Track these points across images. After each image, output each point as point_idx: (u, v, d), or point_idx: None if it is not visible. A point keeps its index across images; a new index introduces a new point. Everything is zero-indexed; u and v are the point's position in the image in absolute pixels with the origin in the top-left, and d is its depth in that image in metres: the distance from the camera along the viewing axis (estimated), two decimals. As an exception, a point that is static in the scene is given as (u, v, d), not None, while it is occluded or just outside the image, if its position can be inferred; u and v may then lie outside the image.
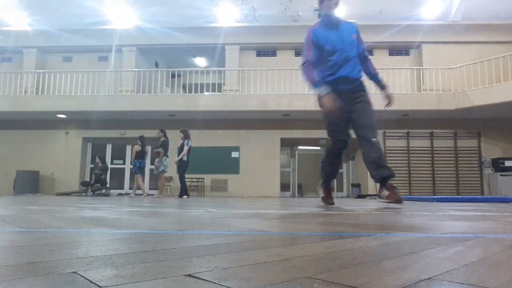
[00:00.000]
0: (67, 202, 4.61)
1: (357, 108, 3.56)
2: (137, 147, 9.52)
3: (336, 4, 3.57)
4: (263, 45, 13.81)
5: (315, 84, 3.45)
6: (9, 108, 12.08)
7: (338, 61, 3.50)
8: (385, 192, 3.41)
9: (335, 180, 4.27)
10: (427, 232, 1.45)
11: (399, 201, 3.35)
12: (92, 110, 11.76)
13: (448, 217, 2.33)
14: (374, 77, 3.87)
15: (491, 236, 1.32)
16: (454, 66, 11.93)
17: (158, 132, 9.28)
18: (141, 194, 9.42)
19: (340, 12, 12.68)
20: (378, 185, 3.66)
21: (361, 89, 3.66)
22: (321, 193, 4.01)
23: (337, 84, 3.50)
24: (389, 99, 3.77)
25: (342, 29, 3.60)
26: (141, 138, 9.64)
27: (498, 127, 12.29)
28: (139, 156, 9.47)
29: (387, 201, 3.39)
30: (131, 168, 12.15)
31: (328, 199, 3.94)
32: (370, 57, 3.96)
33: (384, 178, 3.46)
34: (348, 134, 3.67)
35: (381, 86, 3.83)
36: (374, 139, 3.46)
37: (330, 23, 3.59)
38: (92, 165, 12.58)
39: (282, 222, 1.95)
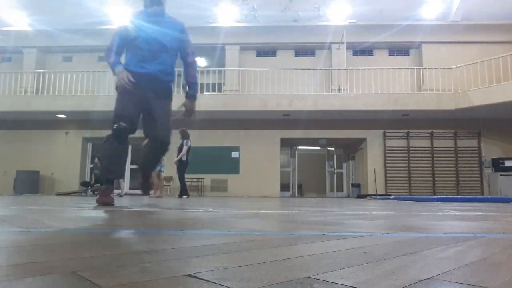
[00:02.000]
0: (67, 202, 4.61)
1: (153, 118, 3.40)
2: None
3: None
4: (263, 45, 13.82)
5: (112, 65, 3.33)
6: (9, 108, 12.08)
7: (147, 55, 3.33)
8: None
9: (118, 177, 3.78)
10: (427, 232, 1.45)
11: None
12: (92, 110, 11.75)
13: (448, 217, 2.33)
14: (189, 85, 3.59)
15: (491, 236, 1.32)
16: (454, 66, 11.93)
17: None
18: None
19: (342, 12, 12.71)
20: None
21: (166, 96, 3.46)
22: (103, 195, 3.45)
23: (141, 78, 3.32)
24: (188, 111, 3.56)
25: (164, 24, 3.41)
26: None
27: (498, 127, 12.29)
28: None
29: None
30: (131, 168, 12.32)
31: (107, 198, 3.39)
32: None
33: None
34: (131, 125, 3.32)
35: (189, 95, 3.58)
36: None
37: (153, 14, 3.38)
38: (92, 165, 12.59)
39: (282, 222, 1.95)
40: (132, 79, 3.27)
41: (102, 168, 3.55)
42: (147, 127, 3.47)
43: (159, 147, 3.49)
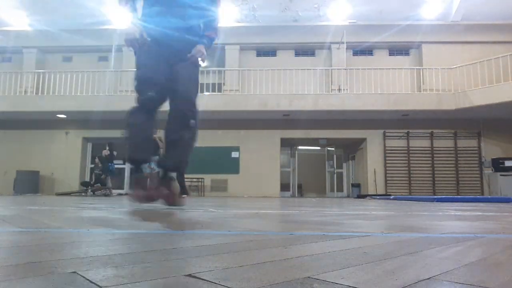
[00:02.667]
0: (67, 202, 4.61)
1: (178, 72, 2.70)
2: (106, 152, 10.16)
3: None
4: (263, 45, 13.82)
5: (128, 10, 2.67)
6: (9, 108, 12.08)
7: (169, 8, 2.66)
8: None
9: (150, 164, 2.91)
10: (427, 232, 1.45)
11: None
12: (92, 110, 11.75)
13: (448, 217, 2.33)
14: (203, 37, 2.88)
15: (491, 236, 1.32)
16: (454, 66, 11.93)
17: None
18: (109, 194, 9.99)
19: (342, 12, 12.71)
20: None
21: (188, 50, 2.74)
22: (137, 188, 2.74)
23: (161, 37, 2.68)
24: (195, 51, 2.77)
25: None
26: (110, 144, 10.32)
27: (498, 127, 12.29)
28: (110, 159, 10.11)
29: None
30: (131, 168, 12.41)
31: (140, 194, 2.69)
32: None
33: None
34: (160, 93, 2.67)
35: (201, 41, 2.84)
36: (192, 121, 2.78)
37: None
38: (92, 165, 12.58)
39: (282, 222, 1.95)
40: (146, 40, 2.60)
41: (128, 149, 2.68)
42: (169, 97, 2.74)
43: (180, 121, 2.76)
